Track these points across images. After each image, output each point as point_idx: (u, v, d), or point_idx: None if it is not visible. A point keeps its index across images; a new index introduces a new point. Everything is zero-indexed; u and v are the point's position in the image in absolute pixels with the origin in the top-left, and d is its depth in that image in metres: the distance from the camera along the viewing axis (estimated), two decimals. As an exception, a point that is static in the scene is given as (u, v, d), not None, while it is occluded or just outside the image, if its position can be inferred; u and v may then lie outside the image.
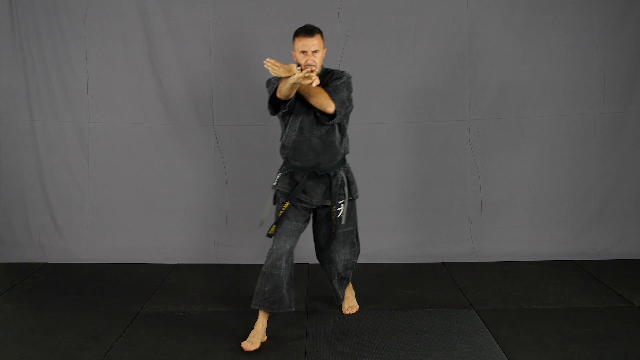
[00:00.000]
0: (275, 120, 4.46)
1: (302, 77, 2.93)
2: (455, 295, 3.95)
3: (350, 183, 3.45)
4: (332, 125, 3.29)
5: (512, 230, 4.67)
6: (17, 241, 4.75)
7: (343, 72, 3.33)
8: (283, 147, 3.38)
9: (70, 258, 4.67)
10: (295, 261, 4.10)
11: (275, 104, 3.27)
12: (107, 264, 4.60)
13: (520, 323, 3.49)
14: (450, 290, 4.05)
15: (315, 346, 3.24)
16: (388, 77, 4.59)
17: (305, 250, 4.35)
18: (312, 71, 3.04)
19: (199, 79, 4.61)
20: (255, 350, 3.19)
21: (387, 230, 4.69)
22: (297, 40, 3.24)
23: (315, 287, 4.05)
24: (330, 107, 3.16)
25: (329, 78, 3.30)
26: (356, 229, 3.59)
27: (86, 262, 4.62)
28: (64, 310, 3.75)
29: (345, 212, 3.43)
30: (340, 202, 3.41)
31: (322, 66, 3.34)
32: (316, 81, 2.99)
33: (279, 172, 3.46)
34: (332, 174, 3.37)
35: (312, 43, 3.20)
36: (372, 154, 4.65)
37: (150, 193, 4.70)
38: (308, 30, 3.22)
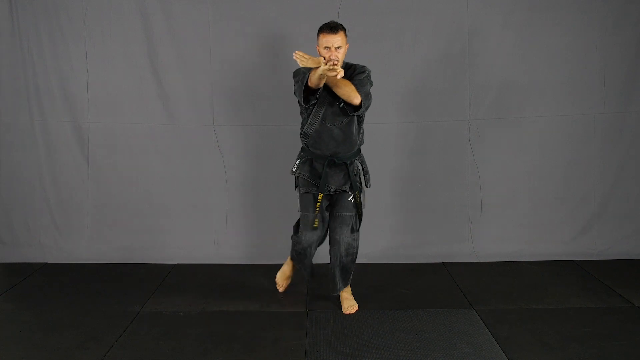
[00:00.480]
0: (275, 120, 4.49)
1: (327, 69, 3.16)
2: (455, 295, 3.95)
3: (365, 172, 3.66)
4: (352, 117, 3.51)
5: (512, 230, 4.67)
6: (17, 241, 4.75)
7: (364, 66, 3.55)
8: (305, 135, 3.60)
9: (70, 258, 4.67)
10: (295, 261, 4.16)
11: (306, 94, 3.48)
12: (107, 264, 4.60)
13: (520, 323, 3.49)
14: (450, 290, 4.05)
15: (315, 346, 3.24)
16: (388, 77, 4.58)
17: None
18: (335, 64, 3.25)
19: (199, 79, 4.61)
20: (255, 351, 3.19)
21: (387, 230, 4.69)
22: (321, 36, 3.44)
23: (315, 287, 4.05)
24: (356, 99, 3.38)
25: (351, 72, 3.51)
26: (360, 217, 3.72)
27: (86, 262, 4.62)
28: (64, 310, 3.75)
29: (352, 197, 3.62)
30: (356, 189, 3.61)
31: (344, 61, 3.54)
32: (341, 73, 3.20)
33: (297, 159, 3.69)
34: (348, 163, 3.56)
35: (336, 40, 3.41)
36: (372, 154, 4.64)
37: (150, 193, 4.70)
38: (332, 27, 3.42)
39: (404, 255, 4.63)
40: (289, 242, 3.96)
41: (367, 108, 3.51)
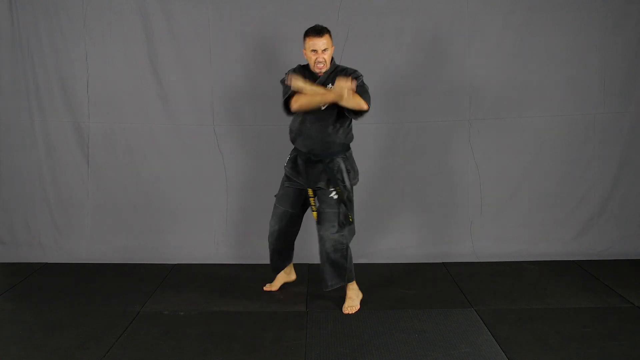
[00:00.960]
0: (275, 121, 4.47)
1: (347, 96, 3.39)
2: (455, 295, 3.95)
3: (347, 171, 3.66)
4: (329, 119, 3.57)
5: (512, 230, 4.67)
6: (17, 241, 4.75)
7: (356, 70, 3.62)
8: (290, 130, 3.75)
9: (70, 258, 4.67)
10: (295, 261, 4.16)
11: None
12: (107, 264, 4.60)
13: (520, 323, 3.49)
14: (450, 290, 4.05)
15: (315, 346, 3.24)
16: (388, 77, 4.58)
17: (305, 250, 4.36)
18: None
19: (199, 79, 4.61)
20: (255, 351, 3.19)
21: (387, 230, 4.69)
22: (307, 40, 3.55)
23: (315, 287, 4.05)
24: (365, 105, 3.51)
25: (343, 73, 3.57)
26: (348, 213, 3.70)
27: (86, 262, 4.62)
28: (64, 310, 3.75)
29: (335, 194, 3.64)
30: (337, 186, 3.62)
31: (332, 60, 3.65)
32: (351, 93, 3.41)
33: (289, 155, 3.82)
34: (327, 161, 3.62)
35: (322, 42, 3.52)
36: (373, 154, 4.65)
37: (150, 193, 4.70)
38: (317, 31, 3.52)
39: (404, 255, 4.63)
40: (289, 242, 3.98)
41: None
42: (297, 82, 3.50)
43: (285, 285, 4.13)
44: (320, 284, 3.81)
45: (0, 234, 4.76)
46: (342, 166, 3.65)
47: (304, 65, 3.72)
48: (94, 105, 4.65)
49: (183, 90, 4.62)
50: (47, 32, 4.59)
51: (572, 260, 4.57)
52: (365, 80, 4.50)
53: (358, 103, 3.48)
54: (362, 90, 3.52)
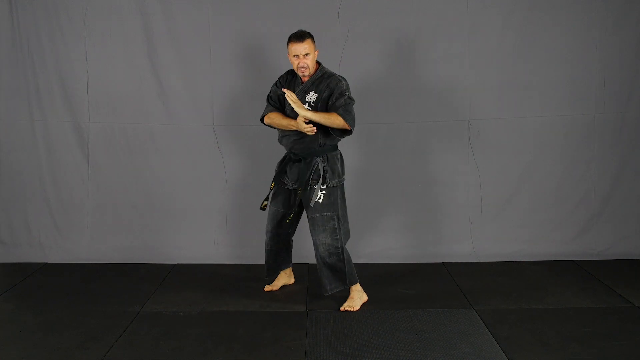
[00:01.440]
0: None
1: (306, 130, 3.54)
2: (455, 295, 3.95)
3: (325, 171, 3.67)
4: (310, 123, 3.58)
5: (512, 230, 4.67)
6: (17, 241, 4.75)
7: (340, 81, 3.64)
8: (278, 131, 3.84)
9: (70, 258, 4.67)
10: (295, 261, 4.16)
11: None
12: (107, 264, 4.60)
13: (520, 323, 3.49)
14: (450, 290, 4.05)
15: (315, 346, 3.24)
16: (388, 77, 4.58)
17: (305, 250, 4.36)
18: (314, 130, 3.55)
19: (199, 79, 4.61)
20: (255, 351, 3.19)
21: (387, 230, 4.69)
22: (290, 45, 3.63)
23: (315, 287, 4.05)
24: (347, 127, 3.60)
25: (326, 83, 3.64)
26: (338, 216, 3.70)
27: (86, 262, 4.62)
28: (64, 310, 3.75)
29: (321, 197, 3.66)
30: (314, 187, 3.67)
31: (320, 65, 3.71)
32: (313, 131, 3.54)
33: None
34: (308, 160, 3.66)
35: (303, 47, 3.59)
36: (372, 154, 4.65)
37: (150, 193, 4.70)
38: (299, 36, 3.60)
39: (404, 255, 4.63)
40: (289, 242, 3.98)
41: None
42: (292, 101, 3.58)
43: (285, 286, 4.13)
44: (332, 299, 3.83)
45: (0, 234, 4.76)
46: (320, 166, 3.67)
47: (291, 70, 3.79)
48: (94, 105, 4.65)
49: (183, 90, 4.62)
50: (47, 32, 4.59)
51: (572, 260, 4.57)
52: (365, 80, 4.55)
53: (340, 125, 3.57)
54: (345, 111, 3.57)
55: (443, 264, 4.56)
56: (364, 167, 4.65)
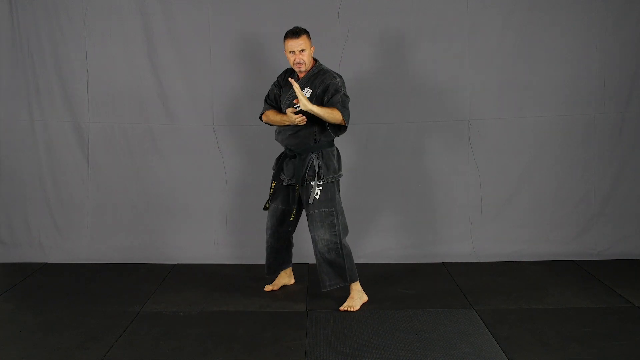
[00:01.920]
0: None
1: (297, 122, 3.58)
2: (455, 295, 3.95)
3: (320, 167, 3.69)
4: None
5: (512, 230, 4.67)
6: (17, 241, 4.75)
7: (335, 78, 3.65)
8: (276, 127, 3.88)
9: (70, 258, 4.67)
10: (295, 261, 4.16)
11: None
12: (107, 264, 4.61)
13: (520, 323, 3.49)
14: (450, 290, 4.05)
15: (315, 346, 3.24)
16: (388, 77, 4.59)
17: (305, 250, 4.36)
18: (304, 121, 3.59)
19: (199, 79, 4.61)
20: (255, 351, 3.19)
21: (387, 230, 4.69)
22: (286, 42, 3.67)
23: (315, 287, 4.05)
24: (343, 122, 3.62)
25: (321, 79, 3.65)
26: (336, 211, 3.71)
27: (86, 262, 4.63)
28: (64, 310, 3.75)
29: (318, 193, 3.69)
30: (310, 183, 3.68)
31: (316, 62, 3.73)
32: (303, 121, 3.58)
33: None
34: (303, 157, 3.69)
35: (298, 43, 3.62)
36: (372, 154, 4.65)
37: (150, 193, 4.70)
38: (294, 32, 3.64)
39: (404, 255, 4.63)
40: (289, 242, 3.99)
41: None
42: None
43: (285, 286, 4.13)
44: (333, 299, 3.84)
45: (0, 234, 4.76)
46: (315, 162, 3.69)
47: (290, 69, 3.82)
48: (94, 105, 4.65)
49: (183, 90, 4.62)
50: (47, 32, 4.59)
51: (572, 260, 4.57)
52: (365, 80, 4.55)
53: (336, 120, 3.57)
54: (342, 107, 3.60)
55: (443, 264, 4.56)
56: (364, 167, 4.65)
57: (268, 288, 4.07)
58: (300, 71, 3.69)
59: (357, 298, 3.77)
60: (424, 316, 3.60)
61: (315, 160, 3.69)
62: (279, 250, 3.98)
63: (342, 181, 4.11)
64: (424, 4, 4.54)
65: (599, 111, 4.60)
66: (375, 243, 4.65)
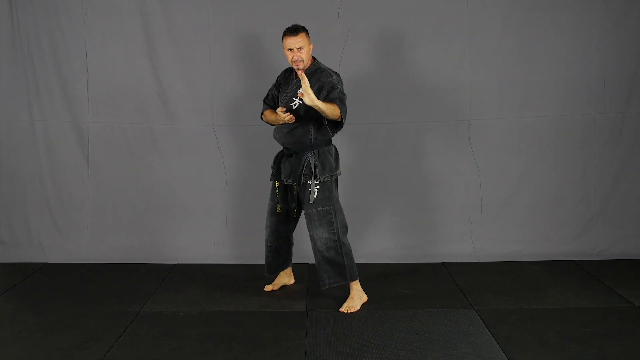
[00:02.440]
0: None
1: (286, 120, 3.61)
2: (455, 295, 3.95)
3: (316, 166, 3.69)
4: (300, 119, 3.66)
5: (512, 230, 4.67)
6: (17, 241, 4.75)
7: (332, 75, 3.66)
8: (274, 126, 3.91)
9: (70, 258, 4.67)
10: (295, 261, 4.16)
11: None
12: (107, 264, 4.61)
13: (520, 323, 3.49)
14: (450, 290, 4.05)
15: (315, 346, 3.23)
16: (388, 77, 4.59)
17: (305, 249, 4.36)
18: (292, 119, 3.62)
19: (199, 79, 4.61)
20: (255, 351, 3.19)
21: (387, 230, 4.69)
22: (284, 39, 3.68)
23: (315, 286, 4.05)
24: (340, 117, 3.61)
25: (317, 77, 3.66)
26: (334, 209, 3.71)
27: (86, 262, 4.63)
28: (64, 310, 3.75)
29: (315, 192, 3.69)
30: (308, 182, 3.68)
31: (314, 60, 3.75)
32: (292, 120, 3.62)
33: None
34: (299, 155, 3.71)
35: (297, 41, 3.63)
36: (372, 154, 4.65)
37: (150, 193, 4.70)
38: (293, 30, 3.65)
39: (404, 255, 4.63)
40: (289, 242, 3.99)
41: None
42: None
43: (285, 286, 4.13)
44: (333, 298, 3.84)
45: (0, 234, 4.76)
46: (311, 161, 3.69)
47: (289, 68, 3.84)
48: (94, 105, 4.65)
49: (183, 90, 4.62)
50: (47, 32, 4.59)
51: (572, 260, 4.57)
52: (365, 80, 4.55)
53: (335, 116, 3.55)
54: (340, 103, 3.59)
55: (443, 264, 4.56)
56: (364, 167, 4.65)
57: (268, 288, 4.07)
58: (298, 69, 3.69)
59: (357, 298, 3.77)
60: (424, 316, 3.60)
61: (311, 159, 3.70)
62: (279, 249, 3.98)
63: (343, 181, 4.12)
64: (424, 4, 4.54)
65: (599, 111, 4.60)
66: (375, 243, 4.65)
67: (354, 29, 4.55)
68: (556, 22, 4.53)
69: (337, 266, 3.72)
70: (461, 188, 4.67)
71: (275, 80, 3.92)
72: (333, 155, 3.78)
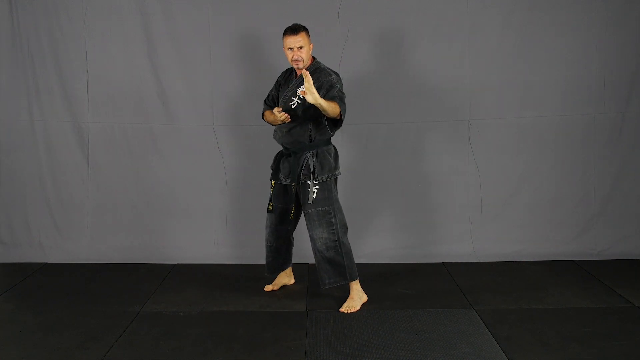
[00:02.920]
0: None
1: (282, 119, 3.64)
2: (455, 295, 3.95)
3: (315, 167, 3.69)
4: (298, 119, 3.68)
5: (512, 230, 4.67)
6: (17, 241, 4.75)
7: (331, 74, 3.66)
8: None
9: (70, 258, 4.67)
10: (295, 261, 4.16)
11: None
12: (107, 264, 4.61)
13: (520, 323, 3.49)
14: (450, 290, 4.05)
15: (315, 346, 3.23)
16: (388, 77, 4.59)
17: (305, 249, 4.36)
18: (288, 119, 3.66)
19: (199, 79, 4.61)
20: (255, 351, 3.19)
21: (387, 230, 4.69)
22: (285, 38, 3.69)
23: (315, 286, 4.05)
24: (339, 115, 3.62)
25: (316, 76, 3.64)
26: (333, 209, 3.71)
27: (86, 262, 4.63)
28: (64, 310, 3.75)
29: (315, 192, 3.69)
30: (307, 182, 3.68)
31: (314, 59, 3.76)
32: (287, 119, 3.64)
33: None
34: (298, 155, 3.72)
35: (297, 40, 3.63)
36: (372, 154, 4.65)
37: (150, 193, 4.70)
38: (293, 29, 3.66)
39: (404, 255, 4.63)
40: (289, 242, 3.99)
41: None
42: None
43: (285, 286, 4.13)
44: (333, 298, 3.84)
45: (0, 234, 4.76)
46: (310, 161, 3.69)
47: (290, 68, 3.85)
48: (94, 105, 4.65)
49: (183, 90, 4.62)
50: (47, 32, 4.59)
51: (572, 260, 4.57)
52: (365, 80, 4.55)
53: (334, 111, 3.54)
54: (340, 101, 3.59)
55: (443, 264, 4.56)
56: (364, 167, 4.65)
57: (268, 288, 4.07)
58: (298, 68, 3.70)
59: (357, 298, 3.77)
60: (424, 316, 3.60)
61: (310, 159, 3.70)
62: (279, 249, 3.98)
63: (343, 181, 4.12)
64: (424, 4, 4.54)
65: (599, 111, 4.60)
66: (375, 243, 4.65)
67: (354, 29, 4.55)
68: (556, 22, 4.53)
69: (337, 266, 3.72)
70: (461, 188, 4.67)
71: (275, 81, 3.92)
72: (332, 155, 3.78)
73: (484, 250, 4.64)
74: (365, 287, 3.86)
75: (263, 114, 3.94)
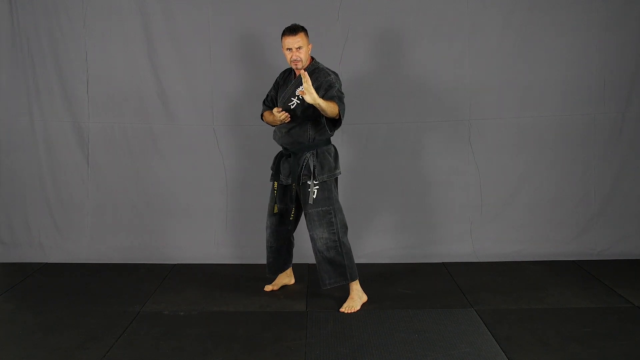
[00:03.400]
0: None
1: (282, 119, 3.65)
2: (455, 295, 3.95)
3: (315, 167, 3.69)
4: (298, 119, 3.68)
5: (512, 230, 4.67)
6: (17, 241, 4.75)
7: (329, 74, 3.66)
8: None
9: (70, 258, 4.67)
10: (295, 261, 4.16)
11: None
12: (107, 264, 4.61)
13: (520, 323, 3.49)
14: (450, 290, 4.05)
15: (315, 346, 3.23)
16: (388, 77, 4.59)
17: (305, 250, 4.36)
18: (288, 118, 3.68)
19: (199, 79, 4.61)
20: (255, 351, 3.19)
21: (387, 230, 4.69)
22: (283, 39, 3.68)
23: (315, 286, 4.05)
24: (338, 115, 3.62)
25: (315, 77, 3.65)
26: (334, 209, 3.71)
27: (86, 262, 4.63)
28: (64, 310, 3.75)
29: (315, 192, 3.69)
30: (307, 182, 3.68)
31: (313, 59, 3.75)
32: (287, 118, 3.65)
33: None
34: (298, 155, 3.71)
35: (296, 40, 3.63)
36: (372, 154, 4.65)
37: (150, 193, 4.70)
38: (292, 30, 3.66)
39: (404, 255, 4.63)
40: (289, 242, 3.99)
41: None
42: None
43: (285, 286, 4.13)
44: (333, 298, 3.84)
45: (0, 234, 4.76)
46: (310, 162, 3.69)
47: (289, 69, 3.85)
48: (94, 105, 4.65)
49: (183, 90, 4.62)
50: (47, 32, 4.59)
51: (572, 260, 4.57)
52: (365, 80, 4.55)
53: (333, 111, 3.54)
54: (339, 100, 3.60)
55: (443, 264, 4.56)
56: (364, 167, 4.65)
57: (268, 288, 4.07)
58: (297, 68, 3.70)
59: (357, 298, 3.77)
60: (424, 316, 3.60)
61: (310, 159, 3.70)
62: (280, 249, 3.98)
63: (343, 181, 4.12)
64: (424, 4, 4.54)
65: (599, 111, 4.60)
66: (375, 243, 4.65)
67: (354, 29, 4.55)
68: (556, 22, 4.53)
69: (337, 266, 3.72)
70: (461, 188, 4.67)
71: (274, 82, 3.92)
72: (332, 155, 3.78)
73: (484, 250, 4.65)
74: (365, 287, 3.86)
75: (262, 115, 3.94)
